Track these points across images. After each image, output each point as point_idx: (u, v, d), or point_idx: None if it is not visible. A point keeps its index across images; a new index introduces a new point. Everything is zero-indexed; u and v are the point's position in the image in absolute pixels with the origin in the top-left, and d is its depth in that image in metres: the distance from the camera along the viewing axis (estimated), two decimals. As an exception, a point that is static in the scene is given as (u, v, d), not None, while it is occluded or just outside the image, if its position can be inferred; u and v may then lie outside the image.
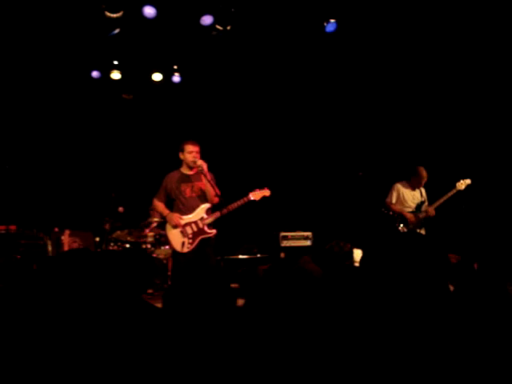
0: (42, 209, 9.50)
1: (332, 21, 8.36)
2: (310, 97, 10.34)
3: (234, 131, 10.86)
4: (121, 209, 9.08)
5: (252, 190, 6.38)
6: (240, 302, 2.74)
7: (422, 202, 7.93)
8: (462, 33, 8.08)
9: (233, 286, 8.54)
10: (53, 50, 8.81)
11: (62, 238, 8.26)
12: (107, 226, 8.84)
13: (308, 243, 9.73)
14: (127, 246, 9.03)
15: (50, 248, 8.40)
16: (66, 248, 8.09)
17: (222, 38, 8.59)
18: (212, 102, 10.66)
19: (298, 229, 9.62)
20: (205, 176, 6.00)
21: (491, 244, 8.09)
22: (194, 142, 6.29)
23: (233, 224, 8.19)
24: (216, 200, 6.13)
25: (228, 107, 10.71)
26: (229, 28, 8.21)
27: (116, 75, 9.87)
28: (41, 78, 9.48)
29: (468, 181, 7.71)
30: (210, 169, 6.08)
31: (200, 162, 6.02)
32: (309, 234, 9.65)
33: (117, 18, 7.73)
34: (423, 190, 8.04)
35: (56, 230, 8.70)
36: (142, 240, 9.15)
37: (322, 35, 8.54)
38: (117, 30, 8.25)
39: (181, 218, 6.18)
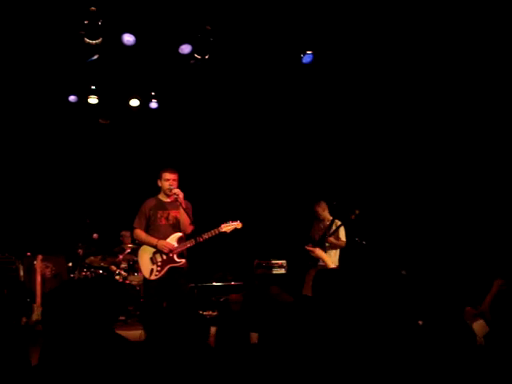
0: (14, 233, 9.39)
1: (309, 52, 8.49)
2: (285, 128, 10.42)
3: (211, 159, 10.90)
4: (95, 235, 9.05)
5: (225, 220, 6.37)
6: (212, 329, 2.76)
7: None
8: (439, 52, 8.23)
9: (208, 313, 8.48)
10: (31, 74, 8.80)
11: (35, 262, 8.16)
12: (80, 252, 8.79)
13: (282, 271, 9.75)
14: (100, 271, 8.98)
15: (22, 273, 8.32)
16: (38, 273, 7.99)
17: (200, 67, 8.65)
18: (189, 129, 10.70)
19: (272, 257, 9.63)
20: (180, 205, 6.00)
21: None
22: (173, 169, 6.28)
23: (207, 251, 8.20)
24: (189, 229, 6.13)
25: (205, 135, 10.76)
26: (207, 57, 8.28)
27: (93, 100, 9.86)
28: (18, 101, 9.45)
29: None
30: (185, 197, 6.09)
31: (176, 191, 6.02)
32: (283, 261, 9.66)
33: (96, 44, 7.76)
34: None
35: (28, 254, 8.61)
36: (115, 266, 9.11)
37: (299, 66, 8.65)
38: (95, 56, 8.27)
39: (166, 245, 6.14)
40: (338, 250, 8.16)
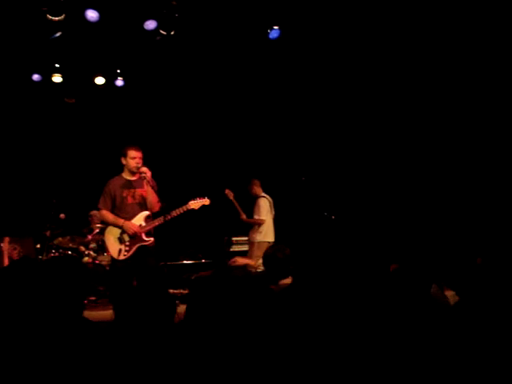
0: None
1: (275, 27, 8.43)
2: (251, 101, 10.38)
3: (177, 136, 10.82)
4: (62, 215, 8.93)
5: (193, 197, 6.35)
6: (182, 307, 2.75)
7: None
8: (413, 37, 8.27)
9: (179, 291, 8.43)
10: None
11: (2, 245, 8.06)
12: (48, 233, 8.68)
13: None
14: (69, 252, 8.89)
15: (-12, 255, 8.21)
16: (5, 255, 7.90)
17: (166, 43, 8.54)
18: (155, 106, 10.59)
19: (243, 234, 9.63)
20: (148, 183, 5.94)
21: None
22: (137, 147, 6.19)
23: (177, 229, 8.18)
24: (157, 208, 6.08)
25: (171, 112, 10.66)
26: (172, 33, 8.17)
27: (57, 78, 9.68)
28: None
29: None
30: (152, 175, 6.03)
31: (144, 169, 5.96)
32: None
33: (59, 21, 7.60)
34: None
35: (-5, 236, 8.49)
36: (84, 246, 9.04)
37: (266, 41, 8.60)
38: (58, 33, 8.10)
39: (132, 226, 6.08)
40: (265, 226, 8.28)
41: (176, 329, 2.60)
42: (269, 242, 8.13)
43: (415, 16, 7.84)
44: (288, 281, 4.32)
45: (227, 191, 8.24)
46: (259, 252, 7.84)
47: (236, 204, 8.34)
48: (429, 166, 8.84)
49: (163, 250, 6.55)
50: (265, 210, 8.20)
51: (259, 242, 8.21)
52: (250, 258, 7.95)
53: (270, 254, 4.47)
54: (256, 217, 8.19)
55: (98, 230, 9.04)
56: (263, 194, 8.39)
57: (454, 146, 8.59)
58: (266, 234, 8.29)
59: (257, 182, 8.49)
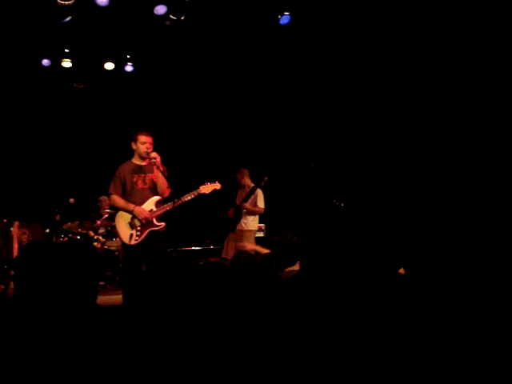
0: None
1: (286, 13, 8.39)
2: (262, 88, 10.35)
3: (187, 122, 10.81)
4: (72, 200, 8.97)
5: (203, 183, 6.35)
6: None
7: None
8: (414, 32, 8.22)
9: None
10: (2, 37, 8.59)
11: (11, 229, 8.08)
12: (57, 218, 8.72)
13: (261, 234, 9.78)
14: (78, 237, 8.93)
15: (-2, 239, 8.24)
16: (15, 240, 7.93)
17: (176, 28, 8.51)
18: (165, 91, 10.57)
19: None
20: (158, 168, 5.93)
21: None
22: (148, 132, 6.16)
23: (186, 215, 8.19)
24: (167, 193, 6.07)
25: (181, 97, 10.64)
26: (182, 18, 8.14)
27: (67, 64, 9.67)
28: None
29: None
30: (162, 161, 6.02)
31: (154, 154, 5.94)
32: (262, 225, 9.67)
33: (68, 5, 7.57)
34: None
35: (5, 221, 8.51)
36: (93, 231, 9.08)
37: (276, 27, 8.56)
38: (68, 18, 8.08)
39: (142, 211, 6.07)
40: (257, 216, 8.44)
41: (185, 315, 2.61)
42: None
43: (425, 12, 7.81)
44: (295, 268, 4.31)
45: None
46: (253, 239, 8.29)
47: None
48: (438, 158, 8.81)
49: (171, 235, 6.53)
50: (263, 199, 8.33)
51: (252, 231, 8.41)
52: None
53: (278, 240, 4.46)
54: (260, 205, 8.28)
55: (106, 216, 9.08)
56: (254, 185, 8.46)
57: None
58: (257, 222, 8.51)
59: (247, 171, 8.58)
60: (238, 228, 8.32)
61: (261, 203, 8.31)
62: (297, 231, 4.64)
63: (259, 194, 8.25)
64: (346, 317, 2.44)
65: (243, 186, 8.46)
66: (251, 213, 8.30)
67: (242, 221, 8.34)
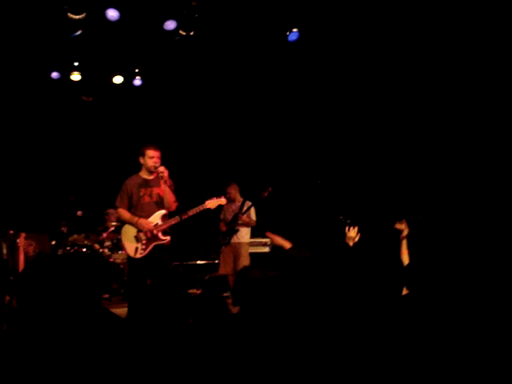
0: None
1: (294, 30, 8.43)
2: (270, 104, 10.38)
3: (194, 136, 10.84)
4: (79, 213, 8.97)
5: (209, 197, 6.38)
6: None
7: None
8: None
9: (192, 291, 8.52)
10: (13, 50, 8.65)
11: (18, 240, 8.09)
12: (64, 230, 8.73)
13: (266, 250, 9.77)
14: (84, 250, 8.93)
15: (4, 251, 8.24)
16: (21, 251, 7.93)
17: (185, 43, 8.56)
18: (172, 106, 10.62)
19: (256, 235, 9.62)
20: (165, 183, 5.96)
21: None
22: (155, 146, 6.21)
23: (192, 229, 8.20)
24: (173, 207, 6.11)
25: (188, 112, 10.68)
26: (192, 33, 8.19)
27: (76, 77, 9.72)
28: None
29: None
30: (169, 174, 6.05)
31: (162, 169, 5.98)
32: (267, 240, 9.67)
33: (79, 19, 7.64)
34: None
35: (11, 232, 8.52)
36: (98, 244, 9.08)
37: (285, 44, 8.60)
38: (79, 32, 8.14)
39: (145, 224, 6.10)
40: (250, 228, 8.54)
41: (191, 328, 2.61)
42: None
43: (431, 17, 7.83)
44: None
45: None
46: (248, 252, 8.49)
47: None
48: (445, 173, 8.79)
49: (176, 249, 6.55)
50: (255, 213, 8.51)
51: (247, 243, 8.56)
52: (245, 257, 8.33)
53: (290, 256, 4.45)
54: (253, 218, 8.46)
55: (113, 229, 9.09)
56: (242, 199, 8.55)
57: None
58: (249, 235, 8.63)
59: (237, 186, 8.65)
60: (232, 241, 8.36)
61: (254, 216, 8.47)
62: (310, 248, 4.63)
63: (252, 207, 8.36)
64: (352, 330, 2.45)
65: (233, 200, 8.50)
66: (247, 225, 8.37)
67: (238, 234, 8.39)
